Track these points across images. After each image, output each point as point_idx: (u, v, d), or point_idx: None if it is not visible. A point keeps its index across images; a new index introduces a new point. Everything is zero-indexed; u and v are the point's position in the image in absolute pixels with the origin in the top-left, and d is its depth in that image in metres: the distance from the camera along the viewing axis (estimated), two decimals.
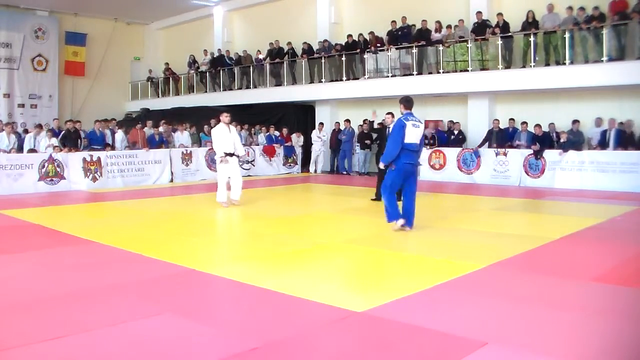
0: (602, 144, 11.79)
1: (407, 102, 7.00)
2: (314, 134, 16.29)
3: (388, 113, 9.63)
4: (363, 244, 6.20)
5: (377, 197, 9.50)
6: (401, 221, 6.75)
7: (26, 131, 13.50)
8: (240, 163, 9.30)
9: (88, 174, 12.25)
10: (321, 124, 16.63)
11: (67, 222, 8.23)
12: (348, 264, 5.51)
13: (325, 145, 16.28)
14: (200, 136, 15.26)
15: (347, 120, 15.72)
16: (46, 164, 11.69)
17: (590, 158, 11.58)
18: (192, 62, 21.20)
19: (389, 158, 6.79)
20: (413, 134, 6.72)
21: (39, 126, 13.68)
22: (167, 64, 22.33)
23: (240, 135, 15.82)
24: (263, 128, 16.72)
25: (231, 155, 9.15)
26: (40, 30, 20.76)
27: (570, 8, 12.28)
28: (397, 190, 6.93)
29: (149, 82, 22.84)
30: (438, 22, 14.44)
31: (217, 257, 5.93)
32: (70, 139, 12.79)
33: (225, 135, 9.11)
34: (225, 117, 9.24)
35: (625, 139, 11.55)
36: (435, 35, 14.38)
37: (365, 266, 5.41)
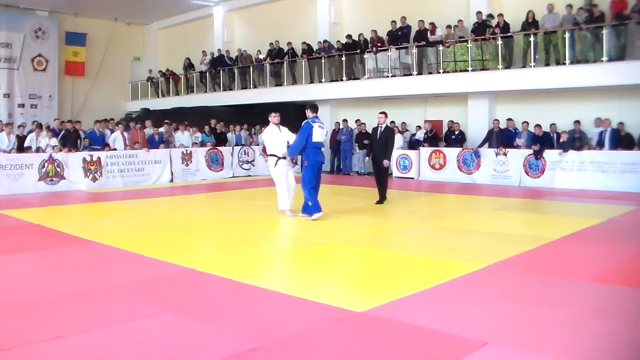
0: (600, 144, 11.80)
1: (312, 107, 8.22)
2: None
3: (381, 113, 9.54)
4: (363, 244, 6.20)
5: (381, 200, 9.52)
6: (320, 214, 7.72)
7: (31, 131, 13.44)
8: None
9: (88, 174, 12.25)
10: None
11: (67, 222, 8.23)
12: (348, 264, 5.51)
13: (325, 144, 16.24)
14: (202, 136, 15.26)
15: (345, 120, 15.72)
16: (46, 164, 11.69)
17: (590, 158, 11.59)
18: (188, 66, 21.22)
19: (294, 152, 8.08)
20: (319, 134, 7.87)
21: (39, 126, 13.62)
22: (167, 69, 22.31)
23: (241, 136, 15.92)
24: (263, 128, 16.68)
25: (284, 158, 8.19)
26: (40, 30, 20.77)
27: (570, 6, 12.28)
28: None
29: (149, 82, 22.84)
30: (432, 23, 14.45)
31: (217, 257, 5.93)
32: (70, 139, 12.79)
33: (277, 137, 8.20)
34: (274, 117, 8.30)
35: (621, 139, 11.56)
36: (432, 37, 14.38)
37: (365, 266, 5.41)
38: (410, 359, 3.16)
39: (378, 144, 9.41)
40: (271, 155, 8.23)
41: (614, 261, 5.42)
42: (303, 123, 8.11)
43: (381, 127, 9.49)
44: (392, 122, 14.94)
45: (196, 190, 12.37)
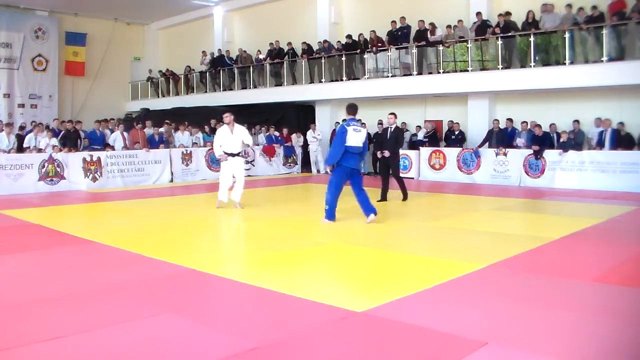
0: (600, 144, 11.80)
1: (348, 108, 7.58)
2: (309, 135, 16.29)
3: (391, 114, 9.79)
4: (363, 244, 6.20)
5: (383, 198, 9.76)
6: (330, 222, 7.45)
7: (29, 132, 13.44)
8: (246, 161, 9.17)
9: (88, 174, 12.25)
10: (313, 124, 16.68)
11: (67, 222, 8.23)
12: (348, 264, 5.51)
13: (322, 144, 16.27)
14: (203, 136, 15.27)
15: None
16: (46, 164, 11.69)
17: (590, 158, 11.59)
18: (189, 72, 21.22)
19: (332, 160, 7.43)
20: (354, 138, 7.34)
21: (39, 125, 13.60)
22: (167, 69, 22.31)
23: (253, 136, 15.94)
24: (263, 128, 16.73)
25: (233, 155, 9.02)
26: (40, 30, 20.76)
27: (569, 6, 12.28)
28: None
29: (149, 82, 22.84)
30: (432, 23, 14.45)
31: (217, 257, 5.93)
32: (70, 139, 12.79)
33: (226, 136, 8.99)
34: (225, 117, 9.11)
35: (621, 139, 11.57)
36: (432, 37, 14.38)
37: (365, 266, 5.40)
38: (410, 359, 3.16)
39: (388, 143, 9.73)
40: (225, 153, 9.00)
41: (614, 261, 5.42)
42: (338, 128, 7.63)
43: (391, 127, 9.81)
44: (403, 123, 15.01)
45: (196, 190, 12.37)
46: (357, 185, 7.54)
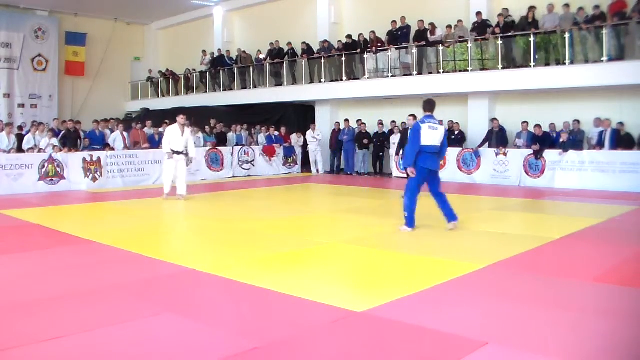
0: (600, 144, 11.79)
1: (425, 104, 6.93)
2: (309, 135, 16.29)
3: (410, 115, 9.94)
4: (363, 244, 6.20)
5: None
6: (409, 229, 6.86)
7: (27, 132, 13.43)
8: (188, 163, 10.42)
9: (88, 174, 12.25)
10: (313, 124, 16.70)
11: (67, 222, 8.23)
12: (348, 264, 5.51)
13: (322, 144, 16.28)
14: (203, 136, 15.27)
15: (347, 120, 15.73)
16: (46, 164, 11.69)
17: (590, 158, 11.58)
18: (190, 73, 21.22)
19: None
20: (429, 137, 6.69)
21: (39, 125, 13.56)
22: (167, 69, 22.30)
23: (241, 136, 15.96)
24: (263, 128, 16.73)
25: (179, 153, 10.05)
26: (40, 30, 20.76)
27: (567, 5, 12.28)
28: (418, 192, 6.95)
29: (149, 82, 22.84)
30: (432, 24, 14.45)
31: (217, 257, 5.92)
32: (70, 139, 12.79)
33: (176, 136, 10.07)
34: (180, 118, 10.18)
35: (621, 139, 11.56)
36: (432, 37, 14.38)
37: (365, 266, 5.40)
38: (410, 359, 3.16)
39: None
40: (172, 151, 10.02)
41: (614, 261, 5.42)
42: (412, 126, 7.15)
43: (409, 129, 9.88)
44: (403, 123, 14.97)
45: (196, 190, 12.36)
46: (435, 188, 6.98)
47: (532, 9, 12.81)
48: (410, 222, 6.90)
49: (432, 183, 6.96)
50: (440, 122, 7.12)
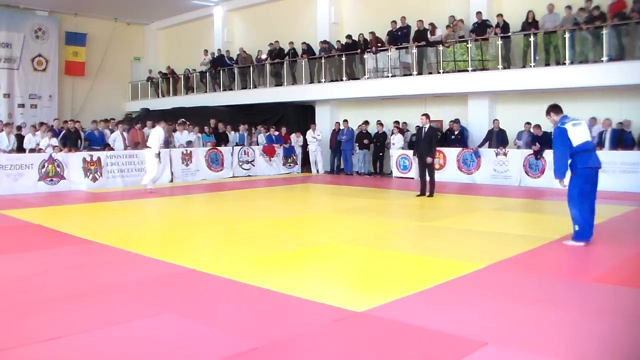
0: (600, 144, 11.77)
1: (554, 108, 6.55)
2: (309, 135, 16.30)
3: (423, 115, 10.26)
4: (363, 244, 6.20)
5: (422, 193, 10.26)
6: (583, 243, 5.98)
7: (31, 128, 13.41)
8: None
9: (88, 174, 12.25)
10: (313, 124, 16.71)
11: (67, 222, 8.23)
12: (348, 264, 5.51)
13: (322, 145, 16.28)
14: (203, 137, 15.28)
15: (346, 121, 15.73)
16: (46, 164, 11.69)
17: None
18: (190, 73, 21.22)
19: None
20: (578, 134, 6.01)
21: (41, 125, 13.53)
22: (168, 67, 22.30)
23: (243, 135, 16.02)
24: (263, 128, 16.73)
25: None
26: (40, 30, 20.76)
27: (569, 7, 12.28)
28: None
29: (149, 82, 22.84)
30: (432, 24, 14.45)
31: (217, 257, 5.92)
32: (70, 139, 12.79)
33: (162, 138, 11.91)
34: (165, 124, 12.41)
35: (621, 139, 11.55)
36: (432, 37, 14.38)
37: (365, 266, 5.40)
38: (410, 359, 3.16)
39: (423, 143, 10.25)
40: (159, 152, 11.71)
41: (614, 261, 5.43)
42: (553, 131, 6.47)
43: (424, 127, 10.24)
44: (404, 123, 15.03)
45: (196, 190, 12.37)
46: (592, 197, 6.03)
47: (530, 13, 12.81)
48: (582, 235, 5.96)
49: (593, 190, 6.03)
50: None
